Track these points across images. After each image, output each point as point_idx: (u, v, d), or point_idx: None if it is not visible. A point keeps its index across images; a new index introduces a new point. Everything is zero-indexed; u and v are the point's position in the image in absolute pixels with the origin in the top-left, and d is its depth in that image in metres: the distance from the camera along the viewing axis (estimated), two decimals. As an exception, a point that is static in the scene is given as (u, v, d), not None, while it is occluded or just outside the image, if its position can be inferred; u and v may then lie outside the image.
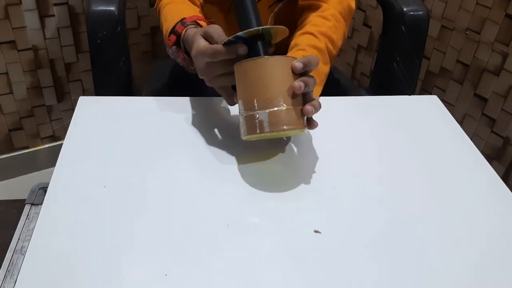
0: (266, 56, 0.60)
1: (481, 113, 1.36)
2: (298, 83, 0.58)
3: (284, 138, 0.70)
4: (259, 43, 0.61)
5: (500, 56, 1.26)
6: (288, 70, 0.59)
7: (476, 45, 1.33)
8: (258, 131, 0.59)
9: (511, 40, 1.23)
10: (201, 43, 0.63)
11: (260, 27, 0.61)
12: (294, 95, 0.59)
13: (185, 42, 0.70)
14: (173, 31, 0.72)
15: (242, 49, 0.60)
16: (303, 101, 0.61)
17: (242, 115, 0.61)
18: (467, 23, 1.33)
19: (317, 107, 0.61)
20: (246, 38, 0.61)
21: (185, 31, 0.70)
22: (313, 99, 0.62)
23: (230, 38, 0.60)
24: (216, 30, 0.63)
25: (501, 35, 1.25)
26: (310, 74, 0.62)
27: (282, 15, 0.90)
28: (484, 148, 1.38)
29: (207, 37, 0.64)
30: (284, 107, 0.58)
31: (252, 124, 0.59)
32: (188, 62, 0.72)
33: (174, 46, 0.72)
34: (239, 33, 0.60)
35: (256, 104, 0.59)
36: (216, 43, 0.62)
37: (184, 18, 0.72)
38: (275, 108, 0.58)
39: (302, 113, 0.60)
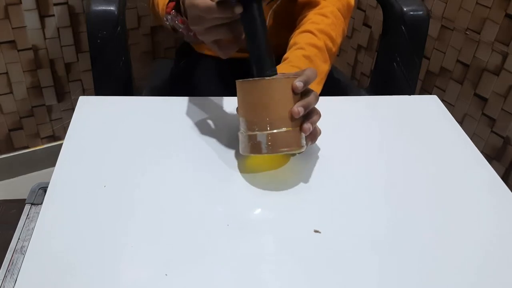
0: (267, 78, 0.59)
1: (481, 113, 1.36)
2: (297, 109, 0.58)
3: None
4: (254, 4, 0.59)
5: (500, 56, 1.26)
6: (288, 91, 0.59)
7: (476, 45, 1.33)
8: (256, 151, 0.59)
9: (511, 40, 1.23)
10: None
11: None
12: (293, 117, 0.59)
13: (184, 3, 0.67)
14: None
15: (237, 9, 0.59)
16: (304, 117, 0.61)
17: (241, 133, 0.61)
18: (467, 23, 1.33)
19: (315, 121, 0.61)
20: None
21: None
22: (315, 114, 0.62)
23: None
24: None
25: (501, 35, 1.25)
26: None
27: (281, 12, 0.90)
28: (484, 148, 1.38)
29: None
30: (283, 129, 0.58)
31: (250, 144, 0.60)
32: (187, 26, 0.69)
33: (173, 11, 0.70)
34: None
35: (256, 125, 0.59)
36: None
37: None
38: (274, 131, 0.58)
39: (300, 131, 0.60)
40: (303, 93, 0.61)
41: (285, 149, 0.59)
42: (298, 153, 0.67)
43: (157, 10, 0.79)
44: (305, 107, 0.59)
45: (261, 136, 0.59)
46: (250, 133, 0.59)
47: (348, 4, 0.85)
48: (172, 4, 0.70)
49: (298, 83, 0.58)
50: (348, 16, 0.86)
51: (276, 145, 0.59)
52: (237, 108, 0.63)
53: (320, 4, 0.82)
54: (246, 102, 0.60)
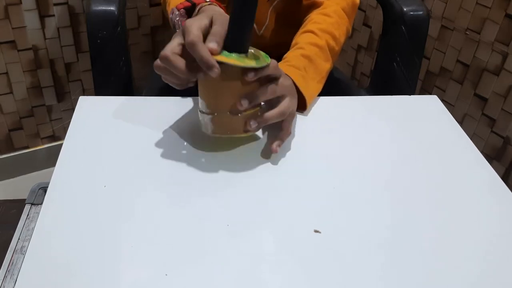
0: (224, 62, 0.57)
1: (481, 113, 1.36)
2: (241, 101, 0.60)
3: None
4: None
5: (500, 56, 1.27)
6: (239, 79, 0.60)
7: (476, 45, 1.33)
8: (205, 130, 0.64)
9: (511, 40, 1.23)
10: (194, 31, 0.59)
11: (243, 66, 0.58)
12: (239, 105, 0.60)
13: (199, 11, 0.67)
14: None
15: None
16: (271, 108, 0.63)
17: (198, 109, 0.65)
18: (467, 23, 1.33)
19: (284, 138, 0.64)
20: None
21: (205, 2, 0.67)
22: (282, 111, 0.63)
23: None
24: (217, 34, 0.59)
25: (501, 35, 1.25)
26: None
27: (281, 10, 0.90)
28: (484, 148, 1.38)
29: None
30: (227, 114, 0.61)
31: (203, 122, 0.64)
32: None
33: (182, 10, 0.68)
34: (225, 62, 0.58)
35: (206, 107, 0.62)
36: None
37: None
38: (217, 114, 0.62)
39: (248, 120, 0.62)
40: (263, 83, 0.62)
41: (228, 133, 0.64)
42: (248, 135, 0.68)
43: (166, 8, 0.78)
44: (249, 99, 0.60)
45: (207, 117, 0.62)
46: (202, 111, 0.63)
47: (353, 3, 0.85)
48: (188, 4, 0.68)
49: (250, 74, 0.59)
50: (353, 15, 0.86)
51: (217, 128, 0.63)
52: None
53: (324, 4, 0.82)
54: (201, 83, 0.62)
